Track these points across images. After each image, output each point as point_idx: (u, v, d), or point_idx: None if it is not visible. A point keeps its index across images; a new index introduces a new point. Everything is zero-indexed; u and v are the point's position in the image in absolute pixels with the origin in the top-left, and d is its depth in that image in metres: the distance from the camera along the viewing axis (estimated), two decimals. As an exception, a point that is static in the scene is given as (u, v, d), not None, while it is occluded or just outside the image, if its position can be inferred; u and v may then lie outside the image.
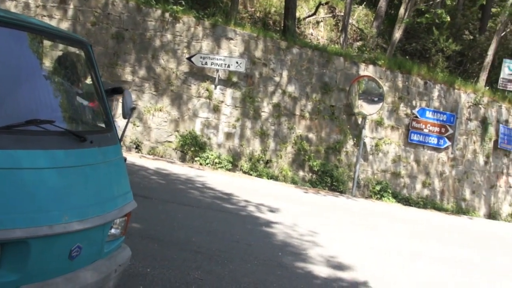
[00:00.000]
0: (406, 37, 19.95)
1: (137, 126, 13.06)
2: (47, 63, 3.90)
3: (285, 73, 13.95)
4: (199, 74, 13.35)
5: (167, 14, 13.30)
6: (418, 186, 15.18)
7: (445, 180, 15.55)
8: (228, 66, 13.20)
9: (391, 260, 7.81)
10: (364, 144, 14.41)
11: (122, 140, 4.07)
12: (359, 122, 14.38)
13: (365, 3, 20.79)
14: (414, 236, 10.34)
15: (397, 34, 17.19)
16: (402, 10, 17.28)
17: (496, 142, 16.37)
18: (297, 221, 8.94)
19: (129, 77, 13.04)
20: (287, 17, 15.42)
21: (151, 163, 11.83)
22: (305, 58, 14.18)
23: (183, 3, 13.89)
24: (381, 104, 14.05)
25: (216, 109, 13.40)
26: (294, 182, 13.66)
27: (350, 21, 18.41)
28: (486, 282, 7.61)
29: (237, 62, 13.19)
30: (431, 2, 18.70)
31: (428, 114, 15.17)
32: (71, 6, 13.21)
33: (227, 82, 13.52)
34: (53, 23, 12.64)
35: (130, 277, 4.97)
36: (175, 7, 13.41)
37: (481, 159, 16.15)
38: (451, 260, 8.65)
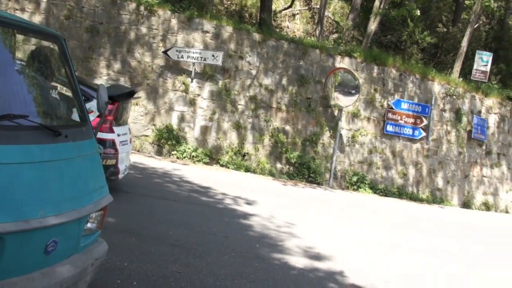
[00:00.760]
0: (381, 29, 20.09)
1: (113, 120, 12.96)
2: (20, 57, 3.87)
3: (261, 66, 13.98)
4: (175, 67, 13.31)
5: (142, 7, 13.21)
6: (394, 177, 15.36)
7: (420, 170, 15.75)
8: (204, 60, 13.17)
9: (367, 250, 7.91)
10: (341, 135, 14.52)
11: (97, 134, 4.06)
12: (336, 114, 14.49)
13: (340, -5, 20.89)
14: (391, 226, 10.48)
15: (373, 26, 17.31)
16: (377, 3, 17.41)
17: (470, 132, 16.62)
18: (274, 213, 9.00)
19: (104, 71, 12.93)
20: (263, 10, 15.43)
21: (127, 157, 11.77)
22: (281, 51, 14.22)
23: (158, -4, 13.82)
24: (357, 96, 14.17)
25: (192, 103, 13.38)
26: (271, 174, 13.72)
27: (326, 13, 18.50)
28: (464, 272, 7.75)
29: (213, 55, 13.17)
30: (405, -6, 18.87)
31: (404, 106, 15.34)
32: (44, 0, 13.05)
33: (203, 76, 13.50)
34: (26, 16, 12.47)
35: (107, 271, 4.97)
36: (150, 0, 13.32)
37: (455, 150, 16.39)
38: (428, 250, 8.79)
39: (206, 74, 13.51)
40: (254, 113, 13.84)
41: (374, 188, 14.79)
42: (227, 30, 13.83)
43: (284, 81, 14.15)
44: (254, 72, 13.90)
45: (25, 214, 2.78)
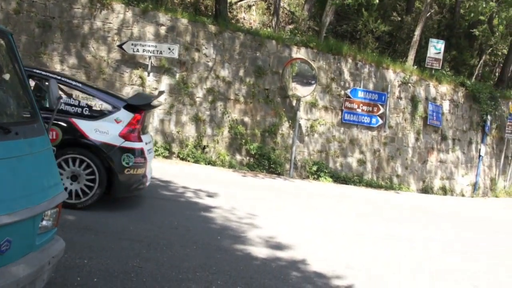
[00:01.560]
0: (337, 19, 20.27)
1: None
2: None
3: (218, 58, 13.93)
4: (131, 61, 13.13)
5: (95, 0, 12.96)
6: (354, 165, 15.57)
7: (379, 157, 16.01)
8: (161, 53, 13.03)
9: (329, 238, 8.01)
10: (300, 125, 14.62)
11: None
12: (294, 104, 14.57)
13: (295, -14, 20.95)
14: (351, 214, 10.63)
15: (328, 16, 17.43)
16: (331, -7, 17.52)
17: (425, 119, 16.96)
18: (236, 205, 9.01)
19: (58, 66, 12.66)
20: (218, 2, 15.34)
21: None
22: (237, 43, 14.19)
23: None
24: (314, 85, 14.28)
25: (150, 97, 13.23)
26: (231, 166, 13.73)
27: (281, 4, 18.55)
28: (428, 259, 7.91)
29: (169, 48, 13.05)
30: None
31: (360, 94, 15.54)
32: (-8, -6, 12.68)
33: (160, 69, 13.37)
34: (-26, 12, 12.10)
35: (67, 269, 4.90)
36: (103, -7, 13.10)
37: (412, 136, 16.71)
38: (388, 237, 8.95)
39: (163, 68, 13.39)
40: (212, 105, 13.80)
41: (334, 176, 14.97)
42: (183, 22, 13.73)
43: (241, 73, 14.15)
44: (211, 64, 13.84)
45: (-24, 213, 2.71)
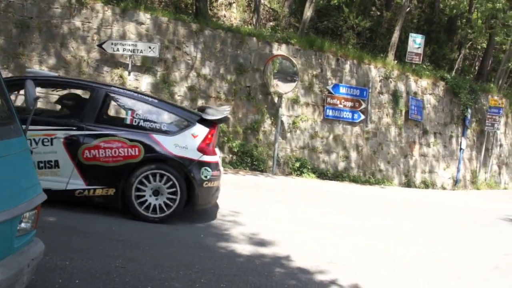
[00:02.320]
0: (317, 15, 20.31)
1: (50, 118, 12.61)
2: None
3: (199, 56, 13.90)
4: (111, 61, 13.05)
5: (73, 0, 12.84)
6: (336, 160, 15.64)
7: (361, 152, 16.10)
8: (141, 52, 12.96)
9: (312, 234, 8.04)
10: (282, 122, 14.64)
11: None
12: (276, 101, 14.59)
13: (275, -17, 20.95)
14: (335, 209, 10.68)
15: (309, 12, 17.44)
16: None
17: (407, 113, 17.08)
18: (219, 203, 8.99)
19: (36, 67, 12.53)
20: (198, 0, 15.30)
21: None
22: (218, 40, 14.17)
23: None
24: (296, 82, 14.31)
25: (131, 96, 13.15)
26: (215, 164, 13.67)
27: (262, 1, 18.53)
28: (411, 251, 7.98)
29: (149, 47, 12.98)
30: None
31: (342, 90, 15.61)
32: (-31, -5, 12.51)
33: (140, 68, 13.30)
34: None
35: (48, 271, 4.86)
36: (81, -8, 12.99)
37: (393, 131, 16.82)
38: (372, 231, 9.01)
39: (144, 66, 13.32)
40: (193, 104, 13.76)
41: (317, 172, 15.02)
42: (163, 21, 13.66)
43: (222, 70, 14.13)
44: (192, 62, 13.80)
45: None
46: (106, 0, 13.13)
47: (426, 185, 17.61)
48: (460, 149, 18.93)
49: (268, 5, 19.99)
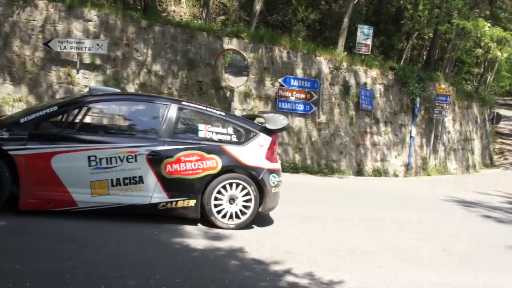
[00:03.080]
0: (267, 9, 20.40)
1: (-4, 119, 12.26)
2: None
3: (149, 52, 13.75)
4: (58, 59, 12.76)
5: (16, -2, 12.50)
6: (290, 152, 15.76)
7: (315, 144, 16.28)
8: (89, 49, 12.72)
9: (266, 225, 8.11)
10: (235, 116, 14.64)
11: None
12: (228, 95, 14.60)
13: (224, -23, 20.92)
14: (289, 200, 10.74)
15: (258, 6, 17.48)
16: (260, -17, 17.60)
17: (357, 104, 17.36)
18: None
19: (-20, 68, 12.16)
20: (147, -5, 15.15)
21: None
22: (168, 36, 14.06)
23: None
24: (247, 76, 14.35)
25: (80, 94, 12.92)
26: (169, 161, 13.60)
27: (211, -5, 18.48)
28: (363, 238, 8.16)
29: (98, 44, 12.75)
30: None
31: (293, 82, 15.73)
32: None
33: (89, 66, 13.05)
34: None
35: (-3, 276, 4.76)
36: (24, -10, 12.63)
37: (345, 121, 17.07)
38: (326, 219, 9.15)
39: (93, 64, 13.08)
40: (146, 101, 13.61)
41: (272, 165, 15.08)
42: (111, 17, 13.45)
43: (173, 66, 14.03)
44: (142, 59, 13.65)
45: None
46: (51, -3, 12.81)
47: (378, 173, 17.96)
48: (411, 137, 19.39)
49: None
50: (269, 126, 7.78)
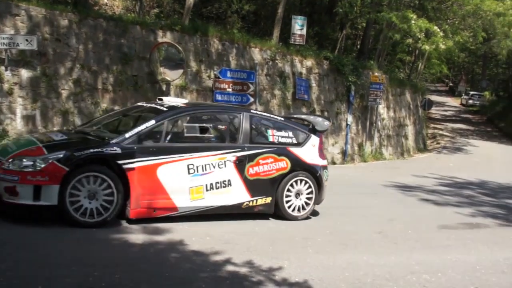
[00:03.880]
0: (201, 1, 20.34)
1: None
2: None
3: (81, 47, 13.43)
4: (-15, 56, 12.30)
5: None
6: (229, 144, 15.78)
7: (253, 135, 16.36)
8: (17, 45, 12.28)
9: (206, 217, 8.12)
10: (172, 110, 14.54)
11: None
12: (164, 89, 14.48)
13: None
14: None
15: (192, -2, 17.41)
16: (193, -25, 17.49)
17: (294, 94, 17.58)
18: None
19: None
20: (77, -12, 14.80)
21: None
22: (100, 30, 13.76)
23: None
24: (183, 69, 14.26)
25: (10, 92, 12.49)
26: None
27: (144, -12, 18.25)
28: (301, 226, 8.31)
29: (26, 40, 12.33)
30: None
31: (229, 74, 15.75)
32: None
33: (18, 62, 12.61)
34: None
35: None
36: None
37: (282, 112, 17.25)
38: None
39: (22, 61, 12.65)
40: (80, 97, 13.33)
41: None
42: (40, 12, 13.04)
43: (107, 61, 13.76)
44: (74, 54, 13.31)
45: None
46: (-27, -8, 12.32)
47: (317, 161, 18.24)
48: (347, 124, 19.82)
49: (151, -8, 19.73)
50: (318, 128, 8.89)
